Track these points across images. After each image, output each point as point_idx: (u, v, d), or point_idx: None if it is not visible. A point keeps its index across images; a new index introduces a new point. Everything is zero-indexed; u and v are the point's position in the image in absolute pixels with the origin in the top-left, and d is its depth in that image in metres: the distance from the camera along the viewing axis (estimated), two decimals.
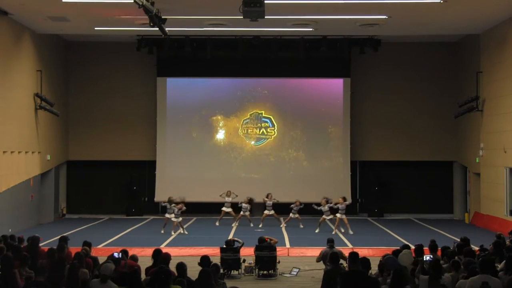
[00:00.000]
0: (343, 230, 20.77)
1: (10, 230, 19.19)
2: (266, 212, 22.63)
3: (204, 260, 10.44)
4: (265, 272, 14.22)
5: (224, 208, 22.70)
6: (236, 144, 26.72)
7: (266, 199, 22.68)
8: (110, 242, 18.64)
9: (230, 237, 17.90)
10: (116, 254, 10.43)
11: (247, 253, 14.92)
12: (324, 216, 21.08)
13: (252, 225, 22.52)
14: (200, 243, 18.18)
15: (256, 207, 25.99)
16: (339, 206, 20.66)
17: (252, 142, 26.68)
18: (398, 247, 12.13)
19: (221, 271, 11.39)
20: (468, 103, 24.00)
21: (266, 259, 14.21)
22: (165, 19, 17.67)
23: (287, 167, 26.64)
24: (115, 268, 9.93)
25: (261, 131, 26.69)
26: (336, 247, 13.43)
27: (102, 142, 26.97)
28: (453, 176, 27.26)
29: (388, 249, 14.39)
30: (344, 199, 21.31)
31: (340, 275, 9.62)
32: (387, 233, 21.37)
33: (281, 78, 26.69)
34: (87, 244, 12.03)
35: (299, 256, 16.98)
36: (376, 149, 26.99)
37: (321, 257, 13.15)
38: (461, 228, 22.60)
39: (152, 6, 16.05)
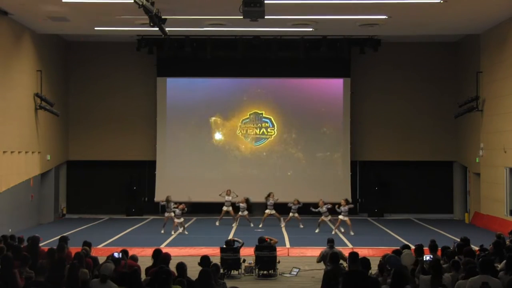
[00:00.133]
0: (343, 230, 20.74)
1: (10, 230, 19.19)
2: (267, 211, 22.58)
3: (204, 260, 10.44)
4: (265, 272, 14.22)
5: (224, 207, 22.68)
6: (236, 144, 26.73)
7: (268, 198, 22.62)
8: (110, 242, 18.64)
9: (230, 237, 17.89)
10: (116, 254, 10.42)
11: (247, 253, 14.93)
12: (323, 217, 21.06)
13: (252, 225, 22.52)
14: (200, 243, 18.19)
15: (257, 207, 26.02)
16: (342, 208, 20.63)
17: (252, 142, 26.69)
18: (398, 247, 12.14)
19: (221, 271, 11.38)
20: (468, 103, 24.00)
21: (266, 259, 14.22)
22: (165, 19, 17.68)
23: (287, 167, 26.64)
24: (115, 268, 9.93)
25: (261, 131, 26.70)
26: (336, 247, 13.43)
27: (102, 142, 26.97)
28: (453, 176, 27.27)
29: (388, 249, 14.38)
30: (347, 201, 21.25)
31: (341, 275, 9.62)
32: (387, 233, 21.37)
33: (281, 78, 26.69)
34: (87, 244, 12.03)
35: (299, 256, 16.98)
36: (376, 149, 27.00)
37: (321, 258, 13.15)
38: (461, 228, 22.60)
39: (152, 6, 16.05)
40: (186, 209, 20.83)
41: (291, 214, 22.05)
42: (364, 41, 25.19)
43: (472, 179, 25.21)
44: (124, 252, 11.05)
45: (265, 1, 15.03)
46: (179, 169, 26.49)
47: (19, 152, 21.53)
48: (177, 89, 26.65)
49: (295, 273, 14.42)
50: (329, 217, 21.07)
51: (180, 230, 20.59)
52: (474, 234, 18.67)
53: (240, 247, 14.60)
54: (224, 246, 14.59)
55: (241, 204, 22.46)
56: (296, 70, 26.47)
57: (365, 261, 9.84)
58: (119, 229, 21.73)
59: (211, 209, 25.40)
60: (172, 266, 9.74)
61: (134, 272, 9.03)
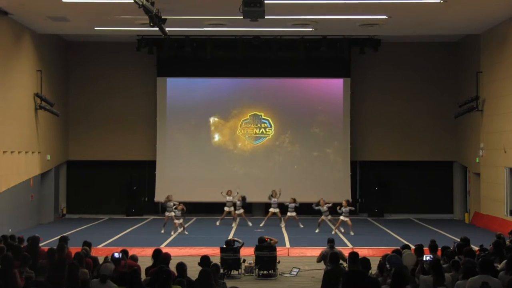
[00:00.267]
0: (343, 230, 20.74)
1: (10, 230, 19.19)
2: (271, 210, 22.52)
3: (204, 260, 10.44)
4: (265, 272, 14.22)
5: (226, 208, 22.64)
6: (236, 144, 26.73)
7: (271, 196, 22.54)
8: (110, 242, 18.64)
9: (230, 237, 17.89)
10: (116, 254, 10.42)
11: (247, 253, 14.93)
12: (323, 217, 21.06)
13: (250, 224, 22.50)
14: (200, 243, 18.18)
15: (257, 207, 26.04)
16: (343, 209, 20.61)
17: (252, 142, 26.69)
18: (398, 247, 12.14)
19: (221, 271, 11.38)
20: (468, 103, 24.00)
21: (266, 259, 14.21)
22: (165, 19, 17.67)
23: (287, 167, 26.62)
24: (115, 268, 9.93)
25: (261, 131, 26.70)
26: (336, 247, 13.43)
27: (102, 142, 26.97)
28: (453, 176, 27.27)
29: (388, 249, 14.38)
30: (348, 202, 21.22)
31: (341, 275, 9.62)
32: (387, 233, 21.36)
33: (281, 78, 26.69)
34: (87, 244, 12.03)
35: (299, 256, 16.97)
36: (376, 149, 27.00)
37: (321, 258, 13.15)
38: (461, 228, 22.60)
39: (152, 6, 16.05)
40: (185, 209, 20.83)
41: (288, 213, 22.04)
42: (364, 41, 25.20)
43: (472, 179, 25.21)
44: (124, 252, 11.05)
45: (265, 1, 15.03)
46: (179, 169, 26.49)
47: (19, 152, 21.53)
48: (177, 89, 26.65)
49: (295, 273, 14.41)
50: (329, 217, 21.08)
51: (180, 230, 20.59)
52: (474, 234, 18.66)
53: (240, 247, 14.60)
54: (224, 246, 14.59)
55: (237, 202, 22.43)
56: (296, 70, 26.47)
57: (365, 261, 9.84)
58: (119, 229, 21.73)
59: (211, 209, 25.41)
60: (172, 266, 9.74)
61: (134, 272, 9.02)
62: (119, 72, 27.04)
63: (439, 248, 11.99)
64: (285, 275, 14.38)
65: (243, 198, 22.62)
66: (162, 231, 20.62)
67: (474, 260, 10.28)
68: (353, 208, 21.37)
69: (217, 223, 22.83)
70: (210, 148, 26.70)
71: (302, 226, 22.07)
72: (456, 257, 10.84)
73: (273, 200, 22.47)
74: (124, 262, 10.63)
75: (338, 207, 20.75)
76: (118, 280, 9.13)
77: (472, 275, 8.60)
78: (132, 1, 15.07)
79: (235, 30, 23.30)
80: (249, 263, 14.44)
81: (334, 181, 26.21)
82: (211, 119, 26.73)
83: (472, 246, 12.33)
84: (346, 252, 12.77)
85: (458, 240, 13.76)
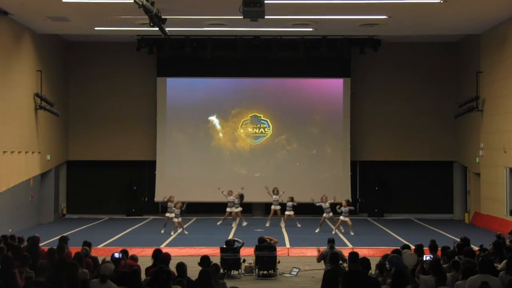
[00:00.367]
0: (343, 230, 20.74)
1: (10, 230, 19.20)
2: (273, 207, 22.49)
3: (204, 260, 10.44)
4: (265, 272, 14.22)
5: (228, 209, 22.59)
6: (235, 144, 26.72)
7: (273, 194, 22.47)
8: (110, 242, 18.64)
9: (230, 237, 17.89)
10: (116, 254, 10.42)
11: (247, 253, 14.93)
12: (324, 215, 21.02)
13: (245, 223, 22.43)
14: (200, 243, 18.18)
15: (257, 207, 26.04)
16: (342, 209, 20.60)
17: (252, 141, 26.69)
18: (398, 247, 12.14)
19: (221, 271, 11.39)
20: (468, 103, 24.00)
21: (266, 259, 14.21)
22: (165, 19, 17.67)
23: (287, 167, 26.61)
24: (115, 268, 9.93)
25: (260, 130, 26.70)
26: (336, 247, 13.42)
27: (102, 142, 26.97)
28: (453, 176, 27.26)
29: (388, 249, 14.38)
30: (348, 202, 21.18)
31: (341, 275, 9.62)
32: (387, 233, 21.36)
33: (281, 78, 26.69)
34: (87, 244, 12.03)
35: (299, 256, 16.97)
36: (376, 149, 27.00)
37: (322, 257, 13.14)
38: (461, 228, 22.60)
39: (152, 6, 16.05)
40: (184, 207, 20.76)
41: (286, 212, 22.03)
42: (364, 41, 25.20)
43: (472, 179, 25.21)
44: (124, 252, 11.05)
45: (265, 1, 15.03)
46: (179, 169, 26.49)
47: (19, 152, 21.53)
48: (177, 89, 26.65)
49: (295, 273, 14.41)
50: (331, 214, 21.02)
51: (180, 230, 20.58)
52: (474, 234, 18.67)
53: (240, 247, 14.60)
54: (224, 246, 14.59)
55: (235, 200, 22.39)
56: (296, 70, 26.46)
57: (365, 261, 9.84)
58: (119, 229, 21.73)
59: (211, 209, 25.41)
60: (172, 266, 9.74)
61: (134, 272, 9.02)
62: (119, 72, 27.05)
63: (439, 248, 11.99)
64: (285, 275, 14.38)
65: (241, 196, 22.55)
66: (162, 231, 20.62)
67: (473, 260, 10.29)
68: (352, 208, 21.27)
69: (218, 223, 22.80)
70: (210, 148, 26.70)
71: (299, 226, 22.06)
72: (456, 257, 10.84)
73: (275, 197, 22.45)
74: (124, 262, 10.62)
75: (337, 207, 20.76)
76: (118, 280, 9.13)
77: (471, 275, 8.60)
78: (132, 1, 15.07)
79: (235, 30, 23.30)
80: (249, 263, 14.44)
81: (334, 181, 26.20)
82: (211, 119, 26.72)
83: (472, 246, 12.33)
84: (346, 252, 12.77)
85: (458, 240, 13.76)
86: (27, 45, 22.56)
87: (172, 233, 20.27)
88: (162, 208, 24.81)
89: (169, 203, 20.75)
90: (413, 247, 12.29)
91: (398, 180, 27.04)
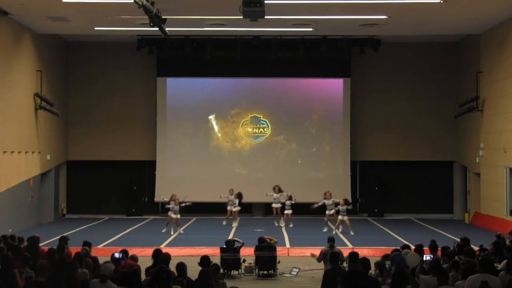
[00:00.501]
0: (340, 229, 20.68)
1: (10, 230, 19.19)
2: (274, 205, 22.43)
3: (204, 260, 10.44)
4: (265, 272, 14.22)
5: (228, 207, 22.58)
6: (235, 144, 26.71)
7: (273, 192, 22.42)
8: (110, 242, 18.64)
9: (230, 237, 17.88)
10: (116, 254, 10.42)
11: (247, 253, 14.93)
12: (327, 212, 20.95)
13: (236, 224, 22.34)
14: (200, 243, 18.18)
15: (257, 207, 26.03)
16: (340, 207, 20.57)
17: (252, 141, 26.68)
18: (398, 247, 12.14)
19: (221, 271, 11.39)
20: (468, 103, 24.00)
21: (266, 259, 14.22)
22: (165, 19, 17.68)
23: (287, 167, 26.61)
24: (115, 268, 9.93)
25: (260, 130, 26.70)
26: (336, 247, 13.42)
27: (102, 142, 26.97)
28: (453, 176, 27.26)
29: (388, 249, 14.37)
30: (346, 201, 21.11)
31: (341, 275, 9.62)
32: (387, 233, 21.36)
33: (281, 78, 26.68)
34: (87, 244, 12.03)
35: (299, 256, 16.96)
36: (376, 149, 26.99)
37: (322, 256, 13.14)
38: (461, 228, 22.59)
39: (152, 6, 16.05)
40: (181, 202, 20.66)
41: (285, 211, 22.01)
42: (364, 41, 25.19)
43: (472, 179, 25.20)
44: (124, 252, 11.04)
45: (265, 1, 15.03)
46: (179, 169, 26.49)
47: (19, 152, 21.53)
48: (177, 89, 26.65)
49: (295, 273, 14.41)
50: (333, 211, 20.95)
51: (179, 230, 20.57)
52: (474, 234, 18.66)
53: (240, 247, 14.60)
54: (224, 246, 14.60)
55: (234, 200, 22.31)
56: (296, 70, 26.46)
57: (365, 261, 9.83)
58: (119, 229, 21.73)
59: (211, 209, 25.41)
60: (172, 266, 9.74)
61: (134, 272, 9.02)
62: (119, 72, 27.04)
63: (439, 248, 11.99)
64: (285, 275, 14.39)
65: (239, 195, 22.47)
66: (164, 230, 20.59)
67: (473, 260, 10.29)
68: (350, 207, 21.07)
69: (224, 223, 22.70)
70: (210, 148, 26.70)
71: (291, 226, 22.00)
72: (456, 257, 10.84)
73: (275, 195, 22.42)
74: (124, 262, 10.62)
75: (334, 205, 20.78)
76: (118, 280, 9.13)
77: (471, 275, 8.60)
78: (132, 1, 15.07)
79: (235, 30, 23.30)
80: (249, 263, 14.44)
81: (334, 181, 26.17)
82: (211, 119, 26.72)
83: (472, 246, 12.33)
84: (346, 252, 12.77)
85: (458, 240, 13.76)
86: (27, 45, 22.55)
87: (172, 233, 20.27)
88: (162, 208, 24.79)
89: (171, 202, 20.73)
90: (413, 247, 12.29)
91: (398, 180, 27.03)
